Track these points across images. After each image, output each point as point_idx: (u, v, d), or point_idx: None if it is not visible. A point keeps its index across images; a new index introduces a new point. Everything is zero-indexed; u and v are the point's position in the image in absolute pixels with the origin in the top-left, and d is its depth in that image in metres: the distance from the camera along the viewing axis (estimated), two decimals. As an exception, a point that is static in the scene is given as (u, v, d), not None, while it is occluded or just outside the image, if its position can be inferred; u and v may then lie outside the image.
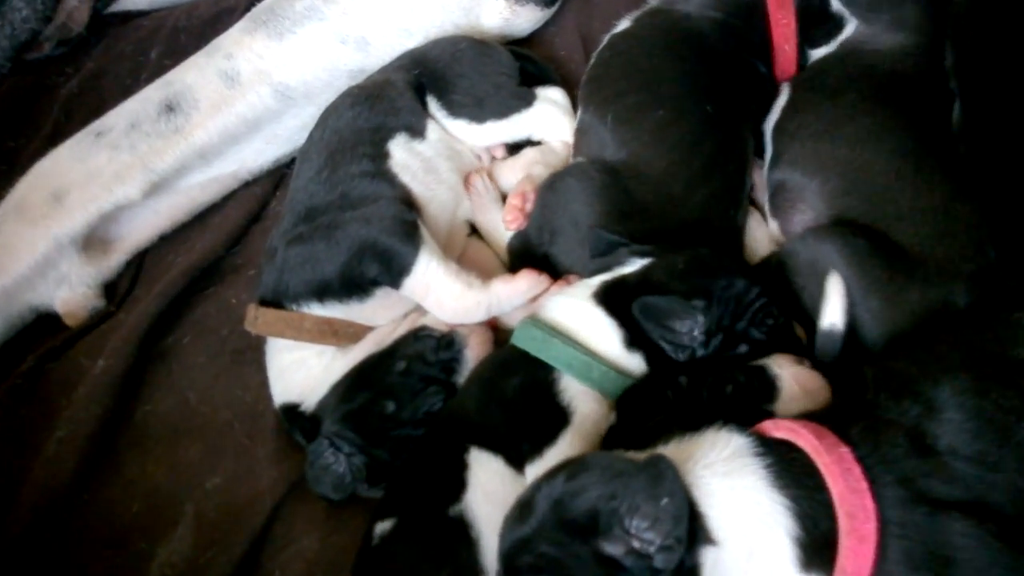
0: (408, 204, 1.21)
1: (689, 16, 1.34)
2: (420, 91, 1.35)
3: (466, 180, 1.31)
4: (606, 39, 1.40)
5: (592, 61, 1.40)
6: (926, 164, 1.14)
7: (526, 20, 1.55)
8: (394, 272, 1.13)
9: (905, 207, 1.12)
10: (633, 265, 1.10)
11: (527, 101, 1.37)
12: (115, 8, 1.75)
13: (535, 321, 1.08)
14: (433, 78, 1.35)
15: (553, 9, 1.59)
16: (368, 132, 1.26)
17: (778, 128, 1.28)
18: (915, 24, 1.27)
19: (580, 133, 1.33)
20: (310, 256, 1.14)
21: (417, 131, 1.29)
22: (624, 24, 1.40)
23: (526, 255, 1.24)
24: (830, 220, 1.16)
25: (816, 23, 1.34)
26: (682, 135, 1.23)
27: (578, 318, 1.07)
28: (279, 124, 1.45)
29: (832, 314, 1.07)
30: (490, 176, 1.35)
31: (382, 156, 1.25)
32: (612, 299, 1.06)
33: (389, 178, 1.23)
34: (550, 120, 1.37)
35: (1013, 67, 1.19)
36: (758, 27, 1.34)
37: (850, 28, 1.33)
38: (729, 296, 1.04)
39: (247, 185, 1.48)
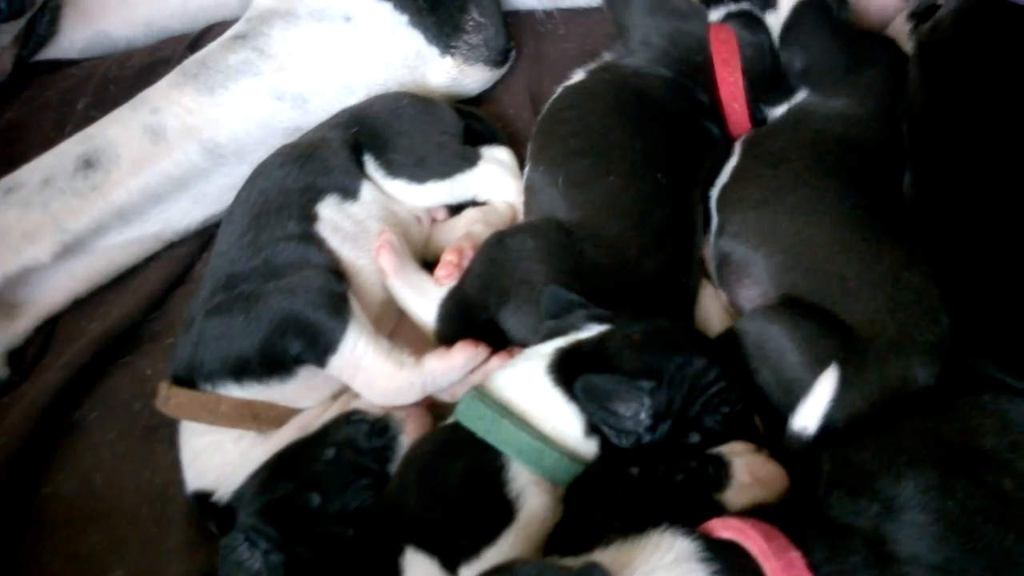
0: (337, 273, 1.13)
1: (639, 73, 1.30)
2: (357, 150, 1.28)
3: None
4: (559, 89, 1.35)
5: (544, 111, 1.34)
6: (872, 233, 1.09)
7: (475, 80, 1.50)
8: (319, 349, 1.05)
9: (852, 281, 1.07)
10: (590, 330, 1.02)
11: (471, 161, 1.30)
12: (43, 56, 1.67)
13: (484, 397, 0.98)
14: (371, 136, 1.28)
15: (504, 70, 1.54)
16: (297, 193, 1.19)
17: (722, 197, 1.24)
18: (873, 90, 1.24)
19: (529, 191, 1.27)
20: (227, 330, 1.05)
21: (350, 192, 1.22)
22: (578, 76, 1.35)
23: (461, 319, 1.15)
24: (778, 296, 1.11)
25: (766, 83, 1.30)
26: (633, 203, 1.17)
27: (533, 398, 0.98)
28: (208, 183, 1.37)
29: (808, 416, 0.99)
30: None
31: (310, 218, 1.17)
32: (569, 374, 0.97)
33: (317, 243, 1.15)
34: (495, 181, 1.31)
35: (965, 140, 1.16)
36: (707, 86, 1.30)
37: (804, 92, 1.29)
38: (684, 376, 0.97)
39: (171, 246, 1.39)
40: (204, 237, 1.40)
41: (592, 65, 1.36)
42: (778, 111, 1.31)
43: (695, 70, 1.29)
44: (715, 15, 1.36)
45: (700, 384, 0.98)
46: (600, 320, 1.02)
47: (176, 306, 1.32)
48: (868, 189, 1.15)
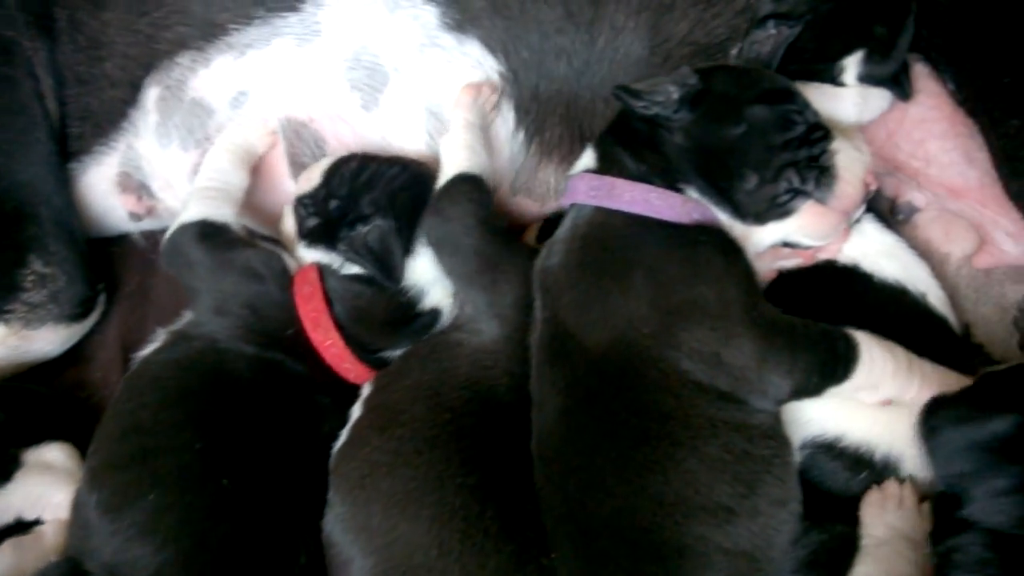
0: None
1: (216, 347, 1.05)
2: None
3: None
4: (136, 362, 1.09)
5: (119, 388, 1.08)
6: (479, 525, 0.92)
7: (47, 343, 1.23)
8: None
9: None
10: None
11: (4, 474, 1.03)
12: None
13: None
14: None
15: (90, 321, 1.28)
16: None
17: (336, 462, 1.02)
18: (508, 316, 1.04)
19: (75, 509, 1.01)
20: None
21: None
22: (159, 340, 1.10)
23: None
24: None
25: (380, 328, 1.10)
26: (180, 524, 0.94)
27: None
28: None
29: None
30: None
31: None
32: None
33: None
34: (36, 497, 1.04)
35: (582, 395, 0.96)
36: (306, 355, 1.07)
37: (446, 313, 1.11)
38: None
39: None
40: None
41: (175, 325, 1.11)
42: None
43: (286, 342, 1.07)
44: (309, 255, 1.14)
45: None
46: None
47: None
48: (484, 457, 0.96)
